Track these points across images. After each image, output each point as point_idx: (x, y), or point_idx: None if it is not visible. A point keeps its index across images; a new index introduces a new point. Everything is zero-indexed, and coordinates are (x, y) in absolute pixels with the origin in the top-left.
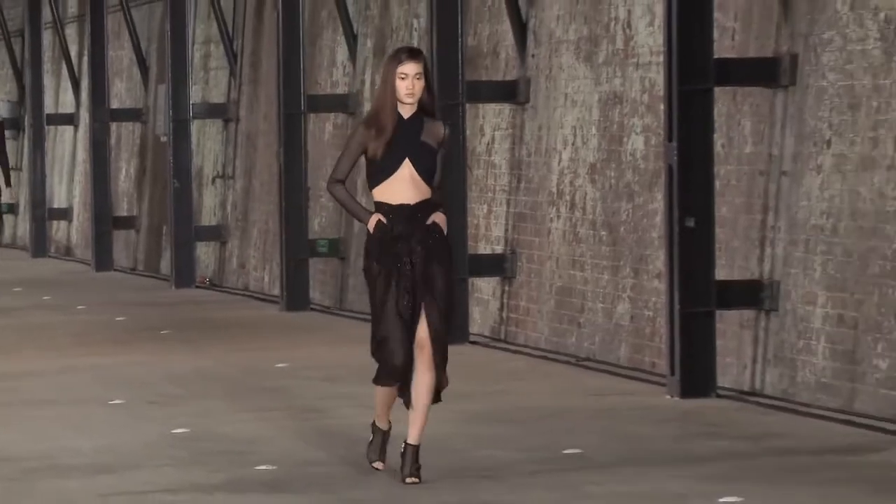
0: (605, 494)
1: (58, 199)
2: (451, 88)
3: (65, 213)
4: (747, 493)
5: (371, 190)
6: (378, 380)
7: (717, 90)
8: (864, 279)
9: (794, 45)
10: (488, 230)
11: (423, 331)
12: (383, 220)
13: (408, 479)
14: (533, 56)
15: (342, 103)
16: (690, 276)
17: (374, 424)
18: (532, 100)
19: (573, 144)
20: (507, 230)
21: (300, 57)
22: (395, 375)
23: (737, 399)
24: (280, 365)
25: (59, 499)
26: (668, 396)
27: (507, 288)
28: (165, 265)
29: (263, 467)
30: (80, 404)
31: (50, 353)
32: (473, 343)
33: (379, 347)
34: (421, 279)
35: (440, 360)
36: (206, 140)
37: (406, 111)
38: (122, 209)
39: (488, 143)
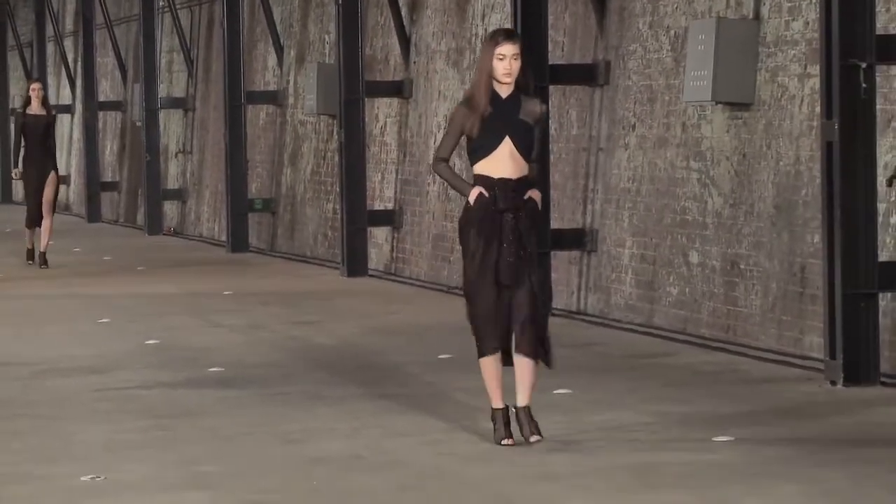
0: (471, 387)
1: (60, 169)
2: (354, 86)
3: (65, 180)
4: (576, 386)
5: (473, 164)
6: (482, 351)
7: (551, 88)
8: (660, 228)
9: (607, 54)
10: (382, 192)
11: (521, 297)
12: (485, 192)
13: (532, 438)
14: (414, 62)
15: (272, 97)
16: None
17: (493, 410)
18: (414, 95)
19: (444, 128)
20: (396, 192)
21: (240, 62)
22: (496, 341)
23: (566, 317)
24: (227, 292)
25: (62, 394)
26: None
27: (396, 235)
28: (140, 218)
29: (215, 369)
30: (77, 322)
31: (54, 283)
32: (371, 276)
33: (476, 316)
34: (519, 251)
35: (539, 325)
36: (171, 125)
37: (504, 91)
38: (108, 176)
39: (382, 127)
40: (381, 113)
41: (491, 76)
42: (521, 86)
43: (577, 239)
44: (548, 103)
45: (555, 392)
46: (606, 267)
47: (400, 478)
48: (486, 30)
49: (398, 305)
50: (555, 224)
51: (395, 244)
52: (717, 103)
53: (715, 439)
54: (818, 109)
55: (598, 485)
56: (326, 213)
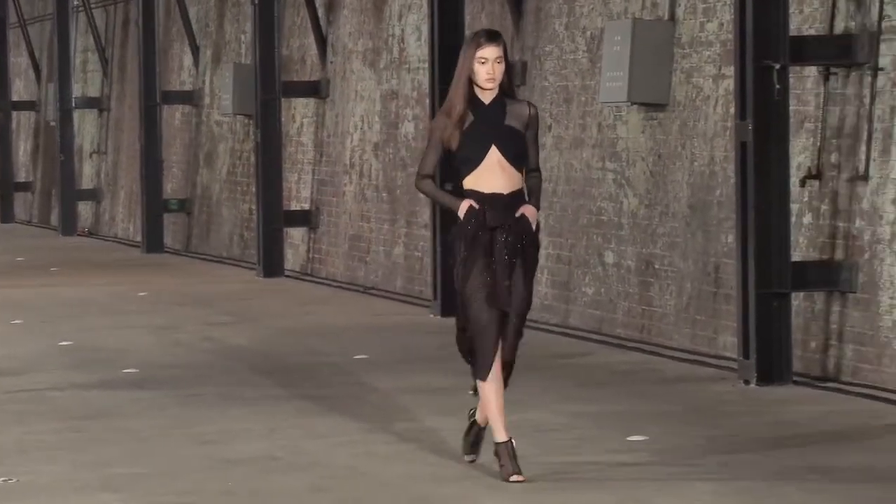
0: (387, 388)
1: None
2: (270, 87)
3: None
4: None
5: (459, 182)
6: (482, 374)
7: None
8: (576, 228)
9: (524, 55)
10: (298, 192)
11: (508, 329)
12: (475, 205)
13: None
14: (331, 63)
15: (188, 98)
16: (449, 226)
17: (496, 444)
18: (331, 95)
19: (361, 128)
20: (312, 192)
21: (155, 62)
22: (490, 359)
23: None
24: (142, 293)
25: None
26: (432, 315)
27: (312, 235)
28: (54, 218)
29: (129, 370)
30: None
31: None
32: (287, 277)
33: (477, 337)
34: (510, 274)
35: (515, 342)
36: (85, 125)
37: (487, 96)
38: (21, 176)
39: (298, 128)
40: (298, 113)
41: (471, 81)
42: (505, 90)
43: None
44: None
45: (469, 392)
46: None
47: (316, 478)
48: (402, 30)
49: (314, 306)
50: None
51: (311, 245)
52: (632, 104)
53: (629, 439)
54: (732, 110)
55: (513, 485)
56: (242, 214)
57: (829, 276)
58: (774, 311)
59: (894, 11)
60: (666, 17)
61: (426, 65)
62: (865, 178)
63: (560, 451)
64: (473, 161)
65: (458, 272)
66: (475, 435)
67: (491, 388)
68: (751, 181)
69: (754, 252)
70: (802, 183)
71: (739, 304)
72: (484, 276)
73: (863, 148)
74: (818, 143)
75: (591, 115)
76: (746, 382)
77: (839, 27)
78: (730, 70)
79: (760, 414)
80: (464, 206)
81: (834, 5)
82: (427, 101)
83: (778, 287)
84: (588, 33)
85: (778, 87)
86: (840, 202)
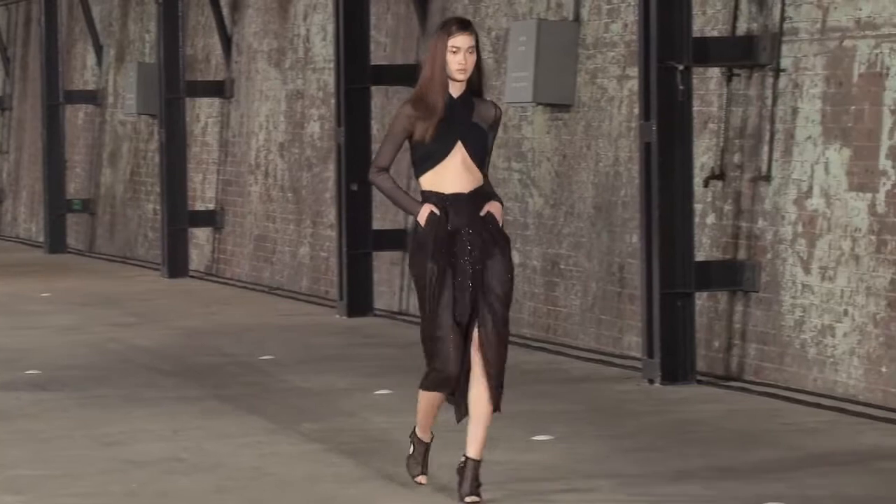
0: (291, 388)
1: None
2: (175, 86)
3: None
4: (396, 386)
5: (418, 178)
6: (427, 386)
7: (374, 88)
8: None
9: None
10: (203, 192)
11: (482, 335)
12: (436, 210)
13: (468, 499)
14: (236, 62)
15: (92, 97)
16: (355, 226)
17: (414, 435)
18: (236, 95)
19: (267, 128)
20: (217, 192)
21: (58, 61)
22: (449, 383)
23: (389, 317)
24: (44, 294)
25: None
26: (338, 316)
27: (217, 236)
28: None
29: (31, 371)
30: None
31: None
32: (192, 277)
33: (432, 352)
34: (479, 278)
35: (499, 369)
36: None
37: (456, 89)
38: None
39: (203, 128)
40: (203, 113)
41: (446, 73)
42: (474, 86)
43: (399, 239)
44: (368, 102)
45: (376, 393)
46: None
47: (220, 479)
48: (308, 30)
49: (219, 306)
50: (376, 224)
51: (216, 245)
52: (537, 104)
53: (535, 438)
54: (636, 111)
55: (419, 486)
56: (147, 214)
57: (732, 275)
58: (678, 311)
59: (796, 13)
60: (571, 17)
61: (332, 65)
62: (768, 178)
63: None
64: (436, 157)
65: (418, 284)
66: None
67: (433, 399)
68: (655, 181)
69: (658, 252)
70: (706, 183)
71: (644, 303)
72: (448, 290)
73: (765, 148)
74: (721, 144)
75: None
76: (651, 382)
77: (741, 29)
78: (634, 71)
79: (664, 413)
80: (424, 212)
81: (736, 7)
82: (332, 101)
83: (682, 287)
84: (493, 34)
85: (681, 87)
86: (743, 202)
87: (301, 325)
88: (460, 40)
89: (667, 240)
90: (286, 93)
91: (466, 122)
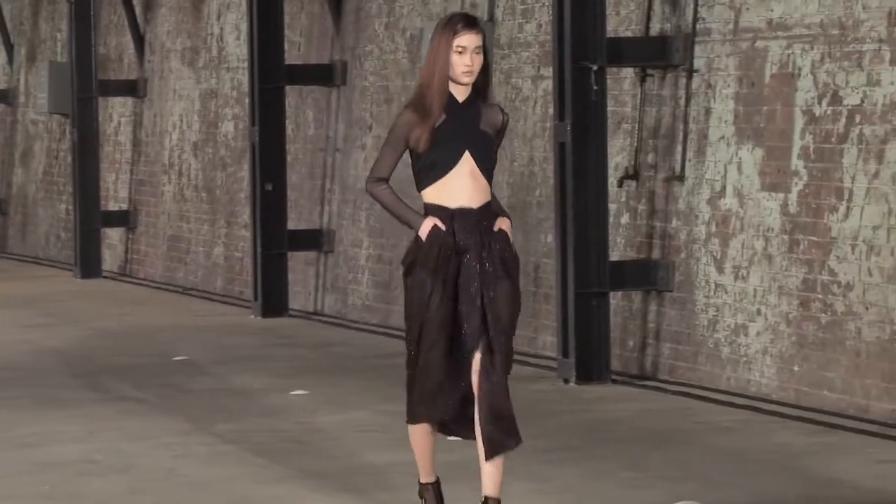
0: (206, 389)
1: None
2: (87, 86)
3: None
4: (313, 386)
5: (421, 190)
6: (415, 417)
7: (288, 88)
8: (397, 228)
9: (343, 55)
10: (116, 192)
11: (486, 363)
12: (440, 225)
13: None
14: (149, 61)
15: (2, 96)
16: (269, 226)
17: (420, 485)
18: (149, 94)
19: (180, 128)
20: (130, 192)
21: None
22: (440, 412)
23: (304, 318)
24: None
25: None
26: (253, 316)
27: (130, 236)
28: None
29: None
30: None
31: None
32: (105, 277)
33: (420, 377)
34: (486, 303)
35: (502, 394)
36: None
37: (461, 93)
38: None
39: (116, 127)
40: (115, 112)
41: (447, 74)
42: (480, 88)
43: (314, 239)
44: (283, 102)
45: (292, 393)
46: (343, 267)
47: (134, 481)
48: (221, 29)
49: (133, 307)
50: (291, 224)
51: (129, 245)
52: None
53: (450, 438)
54: (551, 111)
55: (333, 484)
56: (59, 214)
57: (647, 275)
58: (593, 311)
59: (708, 14)
60: (485, 18)
61: (245, 64)
62: (681, 178)
63: (382, 451)
64: (441, 167)
65: (411, 302)
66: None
67: (422, 433)
68: (569, 181)
69: (573, 252)
70: (620, 183)
71: (558, 303)
72: (447, 313)
73: (679, 148)
74: (635, 144)
75: None
76: (566, 381)
77: (655, 29)
78: (548, 71)
79: (580, 412)
80: (427, 225)
81: (650, 8)
82: (246, 100)
83: (596, 286)
84: (408, 33)
85: (595, 88)
86: (657, 202)
87: (215, 325)
88: (467, 39)
89: (581, 239)
90: (200, 92)
91: (474, 129)
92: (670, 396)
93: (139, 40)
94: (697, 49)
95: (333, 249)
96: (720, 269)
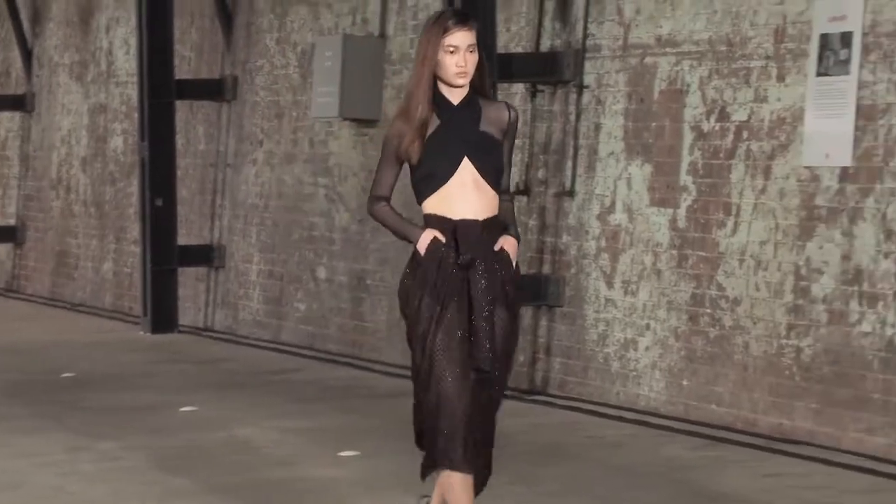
0: (95, 405)
1: None
2: None
3: None
4: (203, 402)
5: (420, 203)
6: (434, 458)
7: (178, 103)
8: (288, 244)
9: (234, 70)
10: (4, 207)
11: (484, 402)
12: (440, 236)
13: None
14: (37, 76)
15: None
16: (159, 242)
17: None
18: (37, 108)
19: (69, 143)
20: (18, 207)
21: None
22: (459, 445)
23: (194, 334)
24: None
25: None
26: (142, 332)
27: (18, 252)
28: None
29: None
30: None
31: None
32: None
33: (439, 418)
34: (485, 324)
35: (490, 435)
36: None
37: (456, 95)
38: None
39: (3, 142)
40: (3, 127)
41: (435, 75)
42: (477, 87)
43: (205, 255)
44: (172, 117)
45: (180, 410)
46: (234, 283)
47: (20, 499)
48: (110, 43)
49: (20, 323)
50: (182, 240)
51: (16, 261)
52: (343, 119)
53: (341, 454)
54: None
55: (222, 501)
56: None
57: (537, 290)
58: None
59: (598, 30)
60: (376, 33)
61: (135, 78)
62: (571, 193)
63: (272, 468)
64: (439, 178)
65: (413, 326)
66: None
67: (460, 484)
68: None
69: None
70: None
71: None
72: (454, 333)
73: (569, 164)
74: (526, 159)
75: (303, 131)
76: None
77: (545, 45)
78: None
79: None
80: (426, 237)
81: (540, 24)
82: (136, 115)
83: None
84: (299, 49)
85: None
86: (547, 217)
87: (104, 341)
88: (458, 37)
89: None
90: (88, 107)
91: (472, 132)
92: (560, 411)
93: (27, 54)
94: (587, 65)
95: (224, 265)
96: (610, 284)
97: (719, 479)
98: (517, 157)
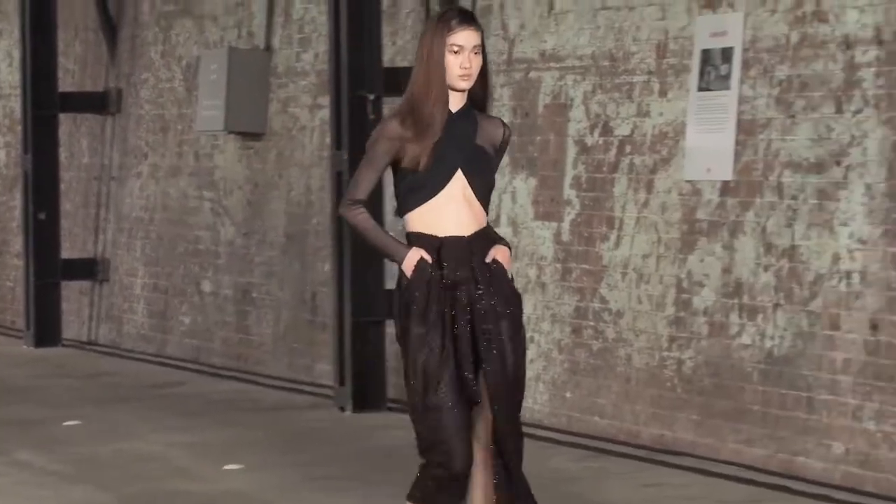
0: None
1: None
2: None
3: None
4: (87, 417)
5: (403, 214)
6: (424, 493)
7: (62, 116)
8: (173, 257)
9: (119, 83)
10: None
11: (489, 415)
12: (427, 257)
13: None
14: None
15: None
16: (42, 255)
17: None
18: None
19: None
20: None
21: None
22: (460, 484)
23: (78, 347)
24: None
25: None
26: (26, 346)
27: None
28: None
29: None
30: None
31: None
32: None
33: (430, 446)
34: (485, 343)
35: (517, 456)
36: None
37: (455, 102)
38: None
39: None
40: None
41: (446, 80)
42: (475, 98)
43: (89, 268)
44: (56, 130)
45: (65, 424)
46: (119, 297)
47: None
48: None
49: None
50: (65, 253)
51: None
52: (229, 133)
53: (226, 468)
54: (328, 140)
55: None
56: None
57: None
58: (370, 339)
59: None
60: (262, 46)
61: (18, 91)
62: None
63: (157, 481)
64: (429, 189)
65: (406, 353)
66: None
67: None
68: None
69: (350, 280)
70: (397, 212)
71: (335, 331)
72: (449, 357)
73: None
74: None
75: (188, 144)
76: (342, 409)
77: None
78: (325, 100)
79: (356, 440)
80: (412, 259)
81: None
82: (19, 127)
83: (373, 315)
84: (184, 62)
85: (373, 117)
86: None
87: None
88: (463, 37)
89: (358, 268)
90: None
91: (468, 144)
92: None
93: None
94: None
95: (108, 278)
96: None
97: (602, 490)
98: None
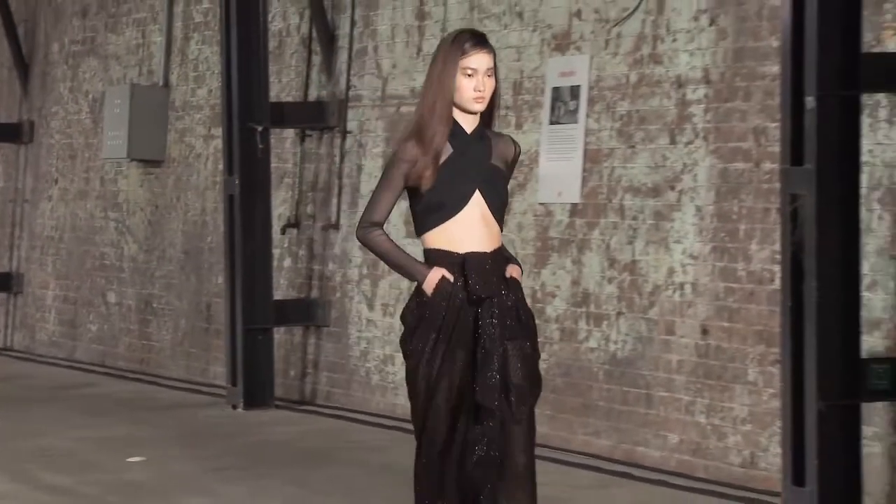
0: None
1: None
2: None
3: None
4: (2, 417)
5: (421, 234)
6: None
7: None
8: (81, 271)
9: (31, 115)
10: None
11: (516, 439)
12: (448, 275)
13: None
14: None
15: None
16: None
17: None
18: None
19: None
20: None
21: None
22: (441, 462)
23: None
24: None
25: None
26: None
27: None
28: None
29: None
30: None
31: None
32: None
33: (427, 462)
34: (502, 364)
35: (532, 470)
36: None
37: (469, 123)
38: None
39: None
40: None
41: (451, 100)
42: (485, 117)
43: (5, 282)
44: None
45: None
46: (32, 307)
47: None
48: None
49: None
50: None
51: None
52: (132, 160)
53: (129, 460)
54: (221, 166)
55: None
56: None
57: (306, 312)
58: (259, 344)
59: (360, 82)
60: (161, 83)
61: None
62: (336, 226)
63: (67, 473)
64: (449, 209)
65: (415, 368)
66: None
67: None
68: (238, 229)
69: (241, 292)
70: (283, 231)
71: (228, 337)
72: (457, 372)
73: (334, 200)
74: (296, 196)
75: (95, 170)
76: (234, 407)
77: (313, 95)
78: (218, 131)
79: (247, 435)
80: (434, 277)
81: (308, 76)
82: None
83: (262, 323)
84: (91, 96)
85: (261, 146)
86: (315, 248)
87: None
88: (477, 60)
89: (249, 281)
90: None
91: (484, 164)
92: (327, 419)
93: None
94: (350, 113)
95: (22, 290)
96: (371, 307)
97: None
98: (288, 195)
